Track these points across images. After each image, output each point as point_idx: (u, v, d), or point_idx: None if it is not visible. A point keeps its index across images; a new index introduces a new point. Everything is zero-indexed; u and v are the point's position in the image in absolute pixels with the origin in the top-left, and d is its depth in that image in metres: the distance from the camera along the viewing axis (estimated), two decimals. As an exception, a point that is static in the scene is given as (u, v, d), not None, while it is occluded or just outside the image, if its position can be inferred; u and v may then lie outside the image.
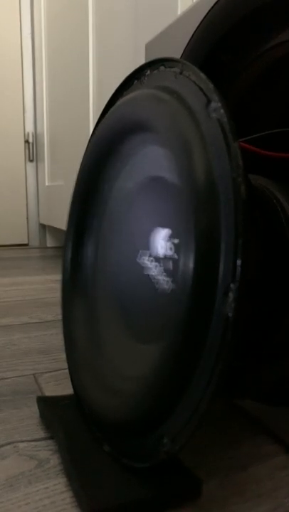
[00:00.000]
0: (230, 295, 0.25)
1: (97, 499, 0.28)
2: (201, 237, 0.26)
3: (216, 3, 0.40)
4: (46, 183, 1.69)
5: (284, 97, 0.41)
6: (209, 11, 0.41)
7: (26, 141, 1.81)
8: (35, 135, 1.81)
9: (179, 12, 0.65)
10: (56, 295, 0.96)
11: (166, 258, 0.31)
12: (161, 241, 0.32)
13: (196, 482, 0.30)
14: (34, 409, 0.43)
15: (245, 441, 0.38)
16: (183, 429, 0.27)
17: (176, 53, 0.46)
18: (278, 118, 0.42)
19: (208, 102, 0.28)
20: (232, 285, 0.25)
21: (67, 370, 0.46)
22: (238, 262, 0.25)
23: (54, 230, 1.88)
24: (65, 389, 0.48)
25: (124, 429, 0.32)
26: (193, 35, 0.43)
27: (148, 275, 0.33)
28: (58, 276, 1.17)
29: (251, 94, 0.42)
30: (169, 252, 0.31)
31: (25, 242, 1.88)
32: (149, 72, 0.37)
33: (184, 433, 0.27)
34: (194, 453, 0.36)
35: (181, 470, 0.31)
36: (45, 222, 1.73)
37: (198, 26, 0.42)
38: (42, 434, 0.39)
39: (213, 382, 0.25)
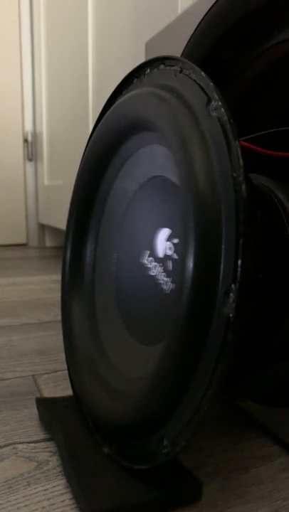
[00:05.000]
0: (231, 295, 0.25)
1: (96, 501, 0.28)
2: (201, 237, 0.26)
3: (216, 1, 0.40)
4: (45, 183, 1.68)
5: (285, 96, 0.41)
6: (210, 9, 0.40)
7: (25, 140, 1.81)
8: (34, 134, 1.81)
9: (180, 10, 0.65)
10: (55, 295, 0.95)
11: (166, 258, 0.31)
12: (162, 241, 0.32)
13: (196, 484, 0.30)
14: (33, 411, 0.43)
15: (246, 442, 0.38)
16: (183, 430, 0.27)
17: (177, 52, 0.46)
18: (279, 117, 0.42)
19: (209, 100, 0.28)
20: (233, 285, 0.24)
21: (66, 372, 0.46)
22: (239, 262, 0.24)
23: (53, 230, 1.88)
24: (65, 390, 0.48)
25: (123, 431, 0.32)
26: (193, 33, 0.43)
27: (152, 275, 0.33)
28: (57, 277, 1.17)
29: (252, 93, 0.42)
30: (169, 252, 0.31)
31: (24, 241, 1.87)
32: (149, 70, 0.36)
33: (185, 435, 0.27)
34: (195, 455, 0.36)
35: (181, 472, 0.31)
36: (44, 222, 1.72)
37: (199, 25, 0.42)
38: (41, 435, 0.39)
39: (213, 383, 0.25)
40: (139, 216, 0.36)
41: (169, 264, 0.31)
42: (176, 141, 0.29)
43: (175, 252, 0.30)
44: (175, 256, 0.30)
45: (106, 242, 0.40)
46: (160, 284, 0.32)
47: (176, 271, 0.30)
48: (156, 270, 0.32)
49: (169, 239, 0.31)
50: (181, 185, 0.28)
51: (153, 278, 0.33)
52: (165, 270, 0.31)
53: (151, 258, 0.33)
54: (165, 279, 0.31)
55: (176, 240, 0.30)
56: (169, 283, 0.31)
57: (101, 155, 0.39)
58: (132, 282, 0.36)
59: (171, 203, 0.32)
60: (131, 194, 0.38)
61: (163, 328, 0.31)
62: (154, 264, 0.33)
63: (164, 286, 0.31)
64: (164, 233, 0.32)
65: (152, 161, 0.34)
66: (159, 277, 0.32)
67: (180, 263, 0.26)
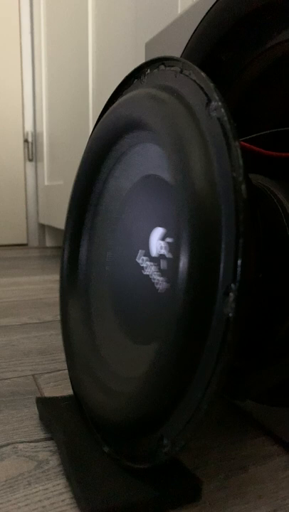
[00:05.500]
0: (231, 295, 0.25)
1: (96, 500, 0.28)
2: (200, 237, 0.26)
3: (216, 2, 0.40)
4: (45, 183, 1.69)
5: (284, 97, 0.41)
6: (209, 9, 0.41)
7: (25, 141, 1.81)
8: (35, 134, 1.81)
9: (179, 11, 0.65)
10: (55, 295, 0.95)
11: (160, 257, 0.31)
12: (159, 241, 0.32)
13: (196, 483, 0.30)
14: (33, 410, 0.43)
15: (246, 442, 0.38)
16: (183, 430, 0.27)
17: (176, 52, 0.46)
18: (279, 117, 0.42)
19: (209, 101, 0.28)
20: (233, 285, 0.25)
21: (66, 371, 0.46)
22: (239, 261, 0.24)
23: (53, 230, 1.88)
24: (65, 390, 0.48)
25: (123, 430, 0.32)
26: (193, 34, 0.43)
27: (147, 275, 0.33)
28: (57, 277, 1.17)
29: (251, 94, 0.42)
30: (167, 252, 0.31)
31: (25, 241, 1.88)
32: (148, 71, 0.36)
33: (184, 434, 0.27)
34: (194, 454, 0.36)
35: (181, 471, 0.31)
36: (45, 222, 1.72)
37: (199, 25, 0.42)
38: (41, 435, 0.39)
39: (213, 383, 0.25)
40: (133, 215, 0.36)
41: (163, 264, 0.31)
42: (174, 141, 0.29)
43: (169, 251, 0.30)
44: (169, 255, 0.30)
45: (101, 242, 0.40)
46: (154, 283, 0.32)
47: (174, 271, 0.30)
48: (150, 269, 0.32)
49: (163, 238, 0.31)
50: (179, 185, 0.28)
51: (147, 277, 0.33)
52: (159, 269, 0.31)
53: (145, 257, 0.33)
54: (159, 278, 0.31)
55: (170, 239, 0.30)
56: (163, 282, 0.31)
57: (99, 155, 0.39)
58: (127, 282, 0.36)
59: (167, 203, 0.32)
60: (127, 193, 0.38)
61: (157, 327, 0.31)
62: (148, 263, 0.33)
63: (162, 286, 0.31)
64: (158, 232, 0.32)
65: (149, 160, 0.35)
66: (156, 277, 0.32)
67: (179, 263, 0.26)
